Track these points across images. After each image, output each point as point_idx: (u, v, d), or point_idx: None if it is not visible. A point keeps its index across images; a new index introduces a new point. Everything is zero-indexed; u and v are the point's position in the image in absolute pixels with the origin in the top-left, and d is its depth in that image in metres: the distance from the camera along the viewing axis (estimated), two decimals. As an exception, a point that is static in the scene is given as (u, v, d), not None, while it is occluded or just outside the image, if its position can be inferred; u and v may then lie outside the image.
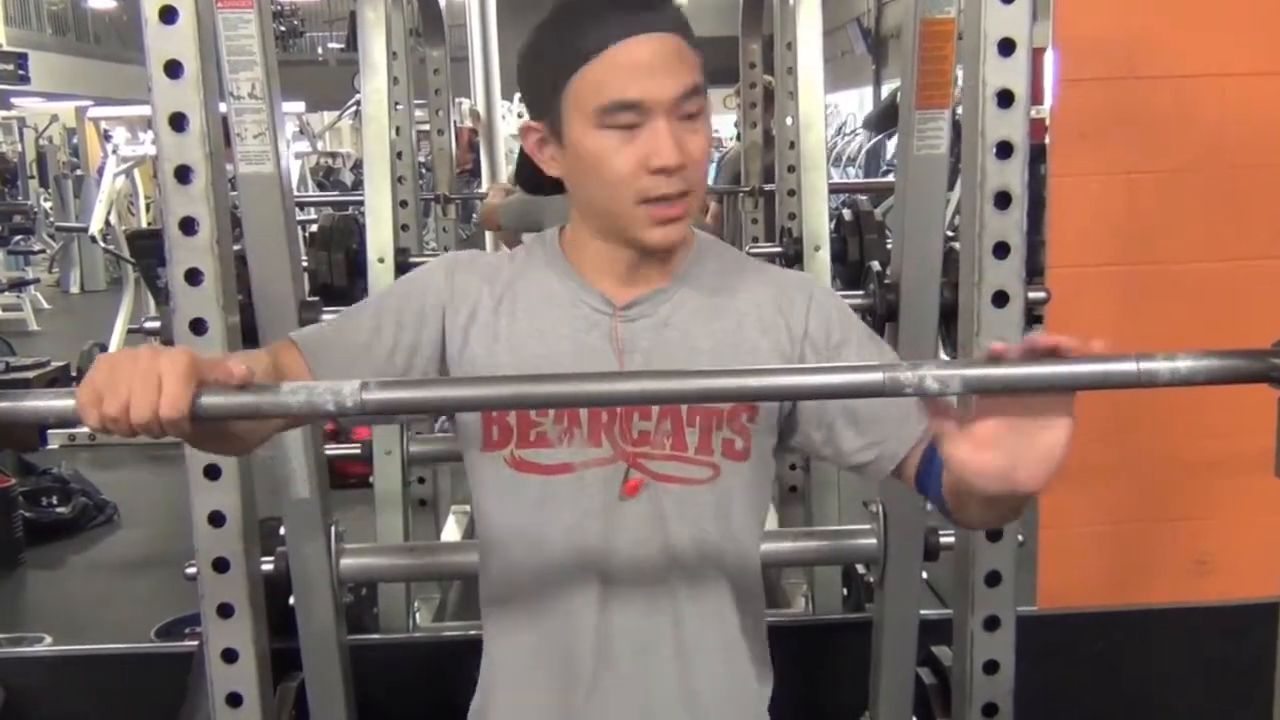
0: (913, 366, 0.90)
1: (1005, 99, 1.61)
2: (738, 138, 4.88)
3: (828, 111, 4.25)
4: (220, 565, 1.72)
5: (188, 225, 1.61)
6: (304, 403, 0.92)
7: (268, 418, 0.95)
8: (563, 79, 1.10)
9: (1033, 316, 1.98)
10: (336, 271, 2.80)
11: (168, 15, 1.55)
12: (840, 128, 14.49)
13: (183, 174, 1.60)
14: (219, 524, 1.71)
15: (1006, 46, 1.60)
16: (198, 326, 1.64)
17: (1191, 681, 2.60)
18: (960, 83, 1.85)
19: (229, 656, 1.75)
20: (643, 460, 1.17)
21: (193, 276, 1.62)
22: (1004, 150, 1.62)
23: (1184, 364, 0.92)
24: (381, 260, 2.93)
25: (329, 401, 0.92)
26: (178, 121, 1.58)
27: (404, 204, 3.41)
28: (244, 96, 1.79)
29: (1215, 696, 2.59)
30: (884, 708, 2.18)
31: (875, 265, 2.05)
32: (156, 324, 1.90)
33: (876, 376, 0.90)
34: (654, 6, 1.11)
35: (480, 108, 6.18)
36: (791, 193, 3.29)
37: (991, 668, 1.85)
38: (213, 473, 1.68)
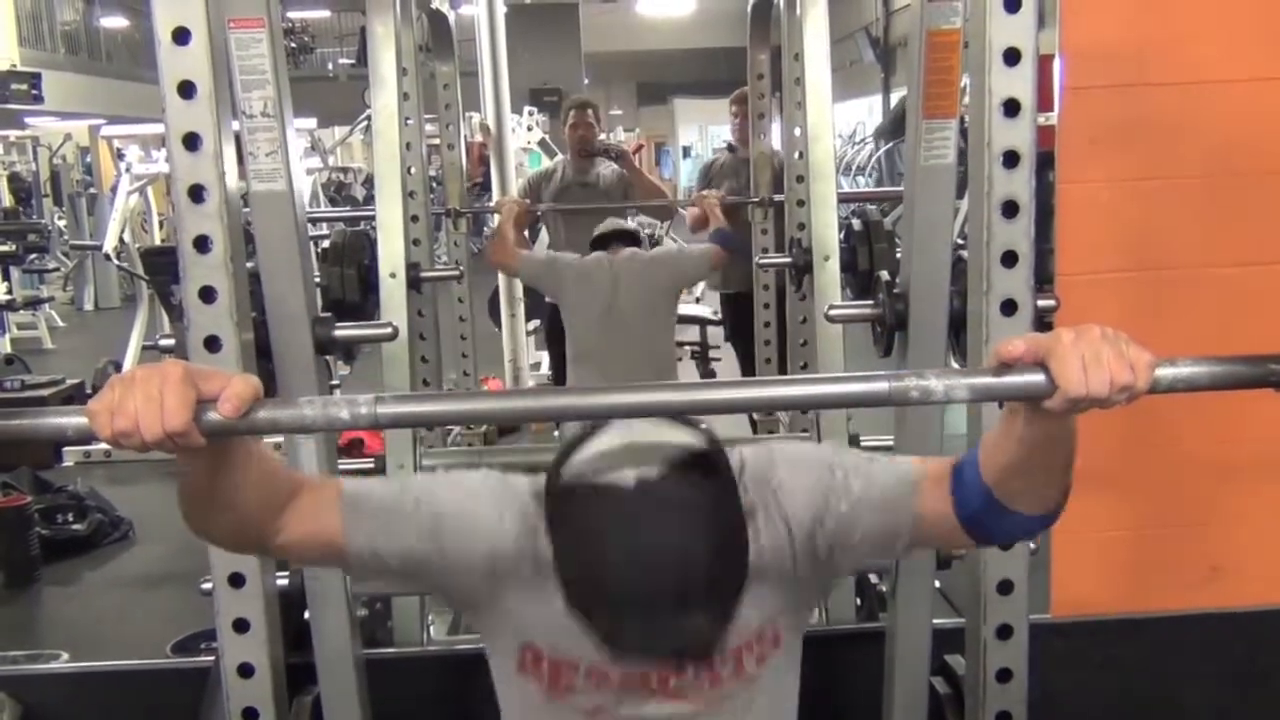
0: (917, 375, 0.91)
1: (1011, 108, 1.62)
2: (729, 148, 4.91)
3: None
4: (235, 581, 1.73)
5: (201, 243, 1.62)
6: (320, 415, 0.93)
7: (284, 432, 0.96)
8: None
9: (1043, 324, 1.98)
10: (349, 286, 2.81)
11: (181, 36, 1.57)
12: (850, 136, 14.52)
13: (196, 193, 1.61)
14: (234, 539, 1.72)
15: (1012, 56, 1.60)
16: (212, 344, 1.65)
17: (1206, 688, 2.59)
18: (967, 92, 1.86)
19: (245, 671, 1.76)
20: (679, 691, 1.21)
21: (207, 294, 1.63)
22: (1011, 159, 1.63)
23: (1186, 370, 0.93)
24: (393, 275, 2.95)
25: (344, 413, 0.93)
26: (191, 141, 1.60)
27: (415, 219, 3.43)
28: (256, 115, 1.81)
29: (1230, 702, 2.58)
30: (898, 718, 2.18)
31: (884, 275, 2.05)
32: (171, 341, 1.92)
33: (882, 386, 0.91)
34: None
35: (490, 122, 6.19)
36: (800, 203, 3.30)
37: (1005, 676, 1.85)
38: (227, 488, 1.69)
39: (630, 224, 4.29)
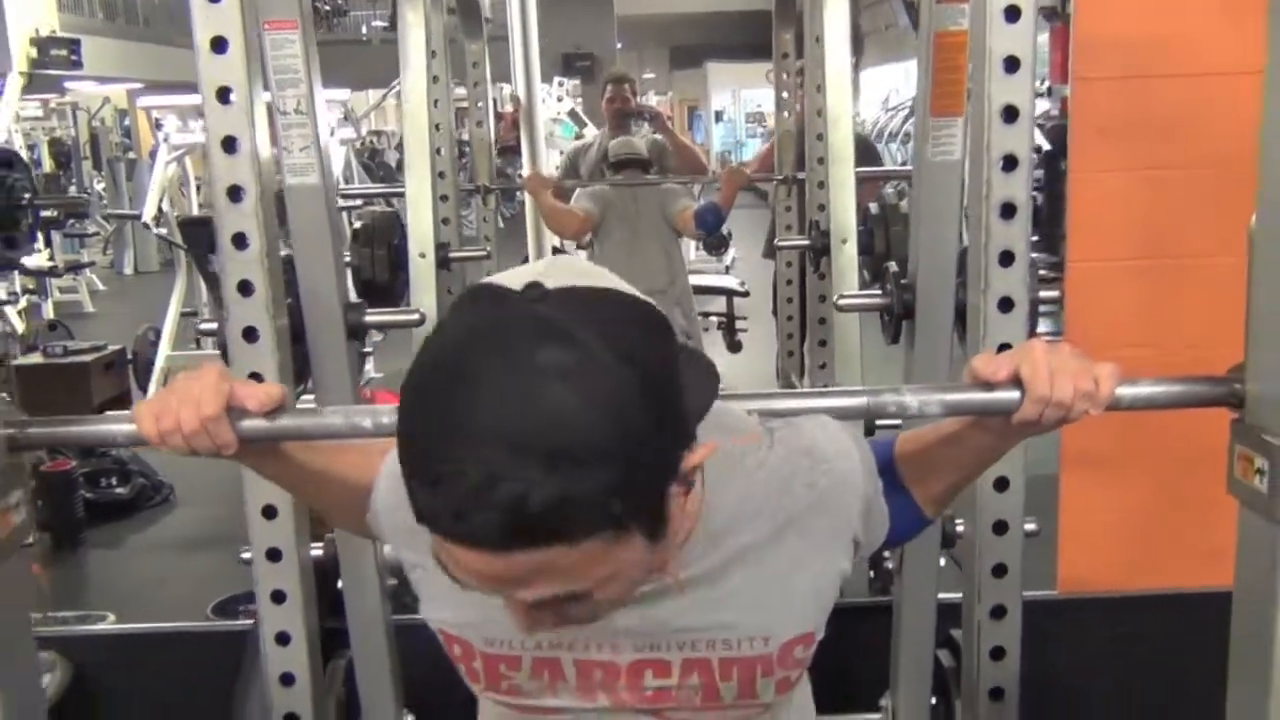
0: (894, 390, 0.99)
1: (1010, 114, 1.67)
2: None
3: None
4: (273, 555, 1.84)
5: (239, 240, 1.72)
6: (345, 424, 1.03)
7: (311, 439, 1.05)
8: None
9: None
10: (379, 267, 2.91)
11: (218, 45, 1.66)
12: (884, 101, 14.45)
13: (234, 193, 1.70)
14: (271, 516, 1.83)
15: (1011, 64, 1.66)
16: (249, 334, 1.75)
17: (1208, 664, 2.65)
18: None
19: (282, 639, 1.87)
20: (668, 712, 1.07)
21: (244, 288, 1.73)
22: (1009, 163, 1.69)
23: (1145, 389, 1.00)
24: (423, 255, 3.05)
25: (367, 422, 1.03)
26: (229, 144, 1.69)
27: (444, 198, 3.51)
28: (290, 112, 1.90)
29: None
30: (903, 689, 2.27)
31: (892, 266, 2.12)
32: (213, 325, 2.01)
33: (861, 401, 0.99)
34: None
35: (521, 92, 6.24)
36: (821, 184, 3.36)
37: (998, 654, 1.93)
38: (265, 469, 1.80)
39: (642, 145, 4.44)
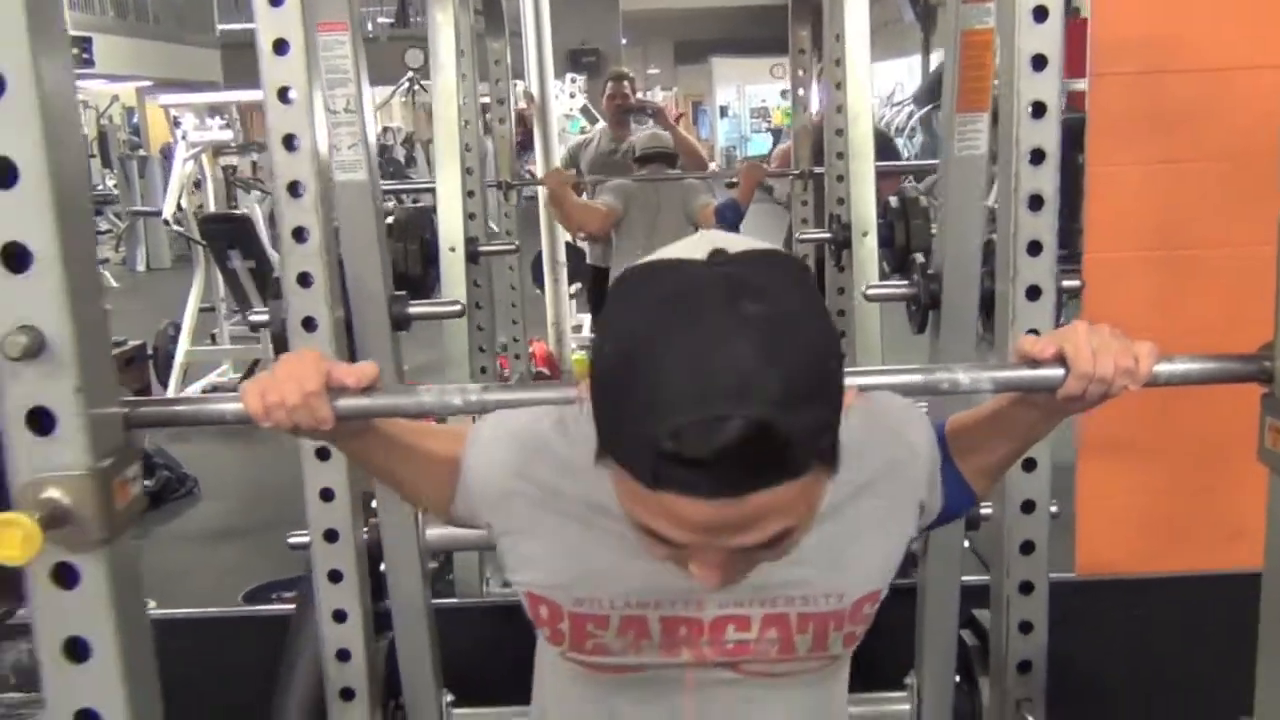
0: (947, 369, 1.07)
1: (1038, 110, 1.75)
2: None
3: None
4: (330, 536, 1.91)
5: (299, 234, 1.78)
6: (436, 401, 1.10)
7: (403, 415, 1.13)
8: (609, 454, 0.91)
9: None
10: (412, 260, 2.97)
11: (280, 47, 1.73)
12: (889, 97, 14.52)
13: (294, 188, 1.77)
14: (329, 499, 1.90)
15: (1039, 62, 1.73)
16: (309, 324, 1.81)
17: (1223, 645, 2.72)
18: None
19: (339, 616, 1.95)
20: (744, 665, 1.15)
21: (304, 279, 1.80)
22: (1037, 157, 1.76)
23: (1181, 366, 1.07)
24: (453, 249, 3.12)
25: (457, 399, 1.10)
26: (289, 141, 1.76)
27: (471, 194, 3.59)
28: (340, 111, 1.97)
29: (1247, 660, 2.71)
30: (928, 668, 2.34)
31: (919, 257, 2.19)
32: (264, 317, 2.09)
33: (917, 378, 1.07)
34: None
35: (534, 89, 6.31)
36: (840, 178, 3.43)
37: (1026, 628, 2.01)
38: (323, 454, 1.87)
39: (670, 139, 4.53)
